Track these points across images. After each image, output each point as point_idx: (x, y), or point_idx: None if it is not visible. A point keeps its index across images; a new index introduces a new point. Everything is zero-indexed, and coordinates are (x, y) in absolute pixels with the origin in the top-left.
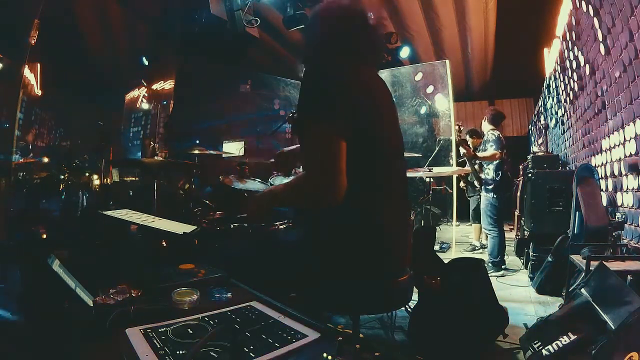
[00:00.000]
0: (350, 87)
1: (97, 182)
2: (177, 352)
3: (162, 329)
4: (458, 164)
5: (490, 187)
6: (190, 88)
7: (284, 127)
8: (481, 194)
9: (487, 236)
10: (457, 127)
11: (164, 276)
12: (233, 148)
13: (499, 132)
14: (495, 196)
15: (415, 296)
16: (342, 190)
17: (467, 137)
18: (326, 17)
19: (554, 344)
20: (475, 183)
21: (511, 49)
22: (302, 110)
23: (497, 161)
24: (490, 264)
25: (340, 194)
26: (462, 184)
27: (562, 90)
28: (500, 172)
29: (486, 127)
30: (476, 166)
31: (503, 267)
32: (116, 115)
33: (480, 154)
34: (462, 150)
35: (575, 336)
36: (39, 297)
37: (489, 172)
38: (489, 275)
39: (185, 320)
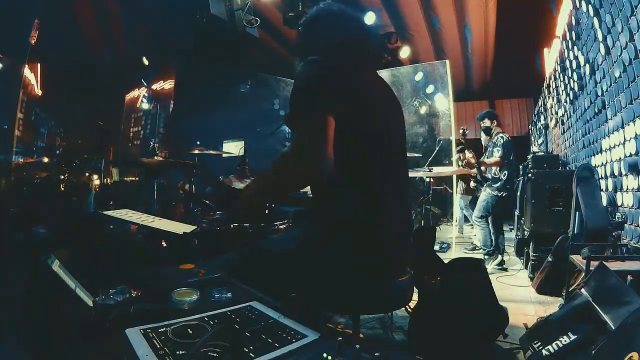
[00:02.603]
0: (342, 80)
1: (97, 182)
2: (177, 352)
3: (162, 329)
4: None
5: (497, 185)
6: (190, 88)
7: (285, 127)
8: (484, 190)
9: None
10: (461, 131)
11: (164, 276)
12: (233, 148)
13: (508, 136)
14: (497, 194)
15: (415, 296)
16: (322, 169)
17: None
18: (325, 20)
19: (554, 344)
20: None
21: (511, 49)
22: (293, 98)
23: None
24: (486, 257)
25: (320, 172)
26: (472, 184)
27: (562, 90)
28: (506, 172)
29: (495, 129)
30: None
31: (500, 262)
32: (116, 115)
33: (486, 160)
34: (468, 155)
35: (575, 336)
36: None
37: (492, 170)
38: (488, 267)
39: (185, 320)
